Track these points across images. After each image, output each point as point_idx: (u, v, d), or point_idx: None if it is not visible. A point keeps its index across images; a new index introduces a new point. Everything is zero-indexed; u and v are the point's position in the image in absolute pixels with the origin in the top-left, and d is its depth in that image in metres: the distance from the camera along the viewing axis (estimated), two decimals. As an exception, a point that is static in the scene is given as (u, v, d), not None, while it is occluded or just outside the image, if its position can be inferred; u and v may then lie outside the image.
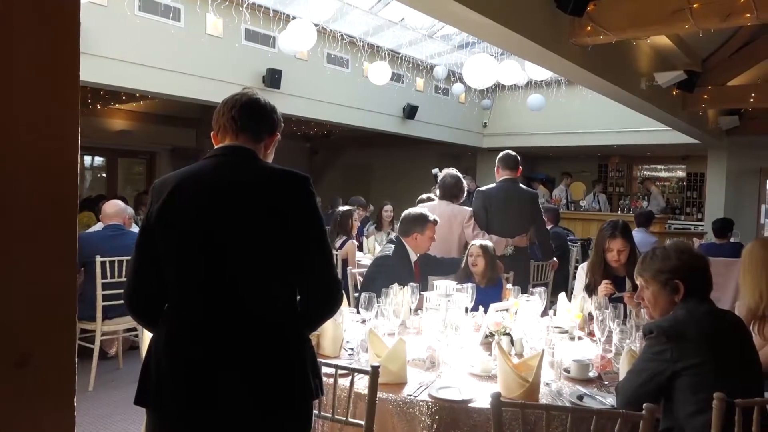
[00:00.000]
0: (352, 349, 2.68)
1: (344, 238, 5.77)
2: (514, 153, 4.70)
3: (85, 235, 4.66)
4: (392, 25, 7.96)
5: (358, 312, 3.01)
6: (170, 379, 1.50)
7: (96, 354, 4.32)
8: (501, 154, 4.71)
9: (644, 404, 1.54)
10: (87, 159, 12.12)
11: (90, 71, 5.95)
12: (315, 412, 1.99)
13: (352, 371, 1.92)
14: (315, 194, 1.63)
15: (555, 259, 5.30)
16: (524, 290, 4.28)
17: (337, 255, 5.46)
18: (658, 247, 2.20)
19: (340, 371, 1.92)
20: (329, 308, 1.64)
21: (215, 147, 1.70)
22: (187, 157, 12.37)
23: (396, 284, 3.32)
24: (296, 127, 11.12)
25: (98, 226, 5.12)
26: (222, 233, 1.53)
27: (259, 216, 1.55)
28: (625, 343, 2.56)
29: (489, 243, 3.79)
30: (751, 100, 7.00)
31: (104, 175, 12.26)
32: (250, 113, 1.69)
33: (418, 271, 3.86)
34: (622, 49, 5.48)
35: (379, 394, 2.12)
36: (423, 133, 10.32)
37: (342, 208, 6.26)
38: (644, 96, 6.24)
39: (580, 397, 2.13)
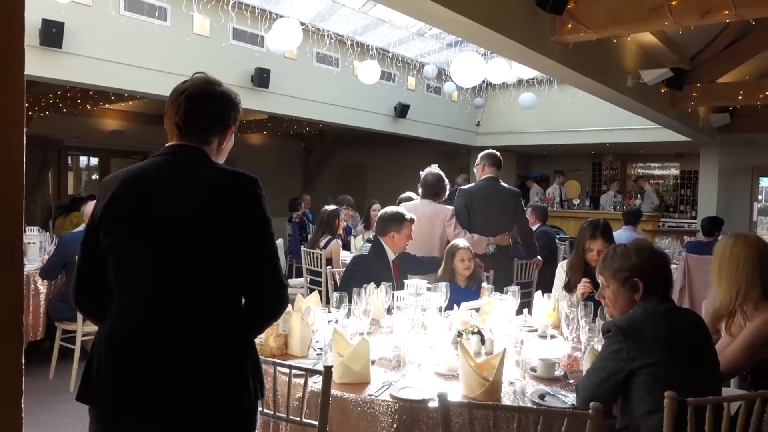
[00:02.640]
0: (321, 348, 2.67)
1: (329, 237, 5.77)
2: (498, 152, 4.69)
3: (66, 236, 4.68)
4: (382, 24, 7.94)
5: (329, 311, 3.00)
6: (108, 375, 1.50)
7: (77, 355, 4.31)
8: (486, 152, 4.70)
9: (591, 403, 1.53)
10: (83, 159, 12.13)
11: (74, 71, 5.95)
12: (270, 412, 1.99)
13: (306, 372, 1.91)
14: (264, 196, 1.61)
15: (539, 257, 5.29)
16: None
17: (320, 254, 5.45)
18: (619, 245, 2.18)
19: (294, 371, 1.91)
20: (272, 312, 1.62)
21: (165, 145, 1.68)
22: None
23: (372, 283, 3.32)
24: (289, 126, 11.10)
25: (83, 227, 5.13)
26: (165, 233, 1.52)
27: (205, 216, 1.53)
28: (592, 342, 2.55)
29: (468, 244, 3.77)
30: (740, 97, 6.99)
31: (97, 176, 12.25)
32: (192, 120, 1.63)
33: (396, 270, 3.86)
34: (606, 46, 5.47)
35: (341, 394, 2.12)
36: (415, 132, 10.30)
37: (329, 208, 6.26)
38: (631, 94, 6.22)
39: (542, 396, 2.12)
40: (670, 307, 2.00)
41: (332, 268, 4.37)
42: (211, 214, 1.53)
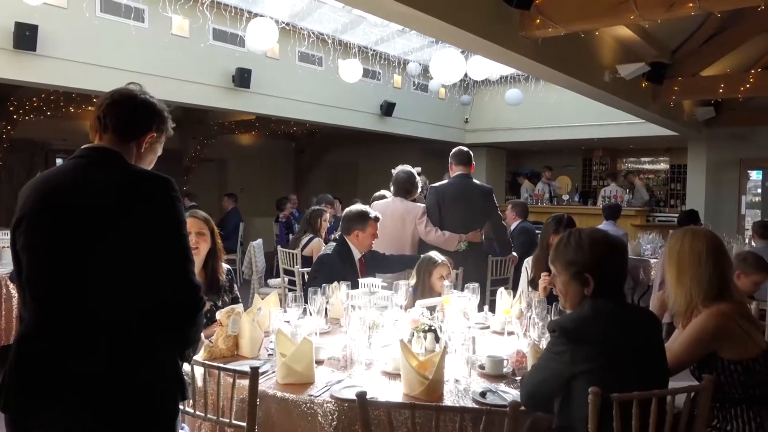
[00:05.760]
0: (272, 349, 2.66)
1: (310, 236, 5.76)
2: (466, 149, 4.68)
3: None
4: (363, 22, 7.90)
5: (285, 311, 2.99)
6: (18, 380, 1.50)
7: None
8: (454, 149, 4.69)
9: (509, 401, 1.52)
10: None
11: (50, 74, 5.95)
12: (201, 413, 1.98)
13: (234, 373, 1.89)
14: (177, 198, 1.59)
15: (515, 254, 5.27)
16: (481, 287, 4.22)
17: (296, 254, 5.44)
18: (573, 234, 2.06)
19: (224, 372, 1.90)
20: (185, 313, 1.58)
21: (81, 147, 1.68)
22: (169, 158, 12.37)
23: (335, 283, 3.31)
24: (277, 127, 11.08)
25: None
26: (74, 235, 1.51)
27: (115, 217, 1.51)
28: (543, 338, 2.54)
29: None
30: (720, 90, 6.96)
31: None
32: (116, 113, 1.65)
33: (363, 269, 3.84)
34: (581, 41, 5.44)
35: (281, 395, 2.11)
36: (402, 130, 10.26)
37: (314, 207, 6.27)
38: (610, 89, 6.19)
39: (483, 394, 2.10)
40: (618, 307, 1.95)
41: (299, 267, 4.35)
42: (121, 215, 1.51)
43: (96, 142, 1.67)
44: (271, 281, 6.24)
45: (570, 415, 1.84)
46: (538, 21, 4.35)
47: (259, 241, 6.18)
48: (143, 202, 1.54)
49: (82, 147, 1.66)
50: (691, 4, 3.73)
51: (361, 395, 1.60)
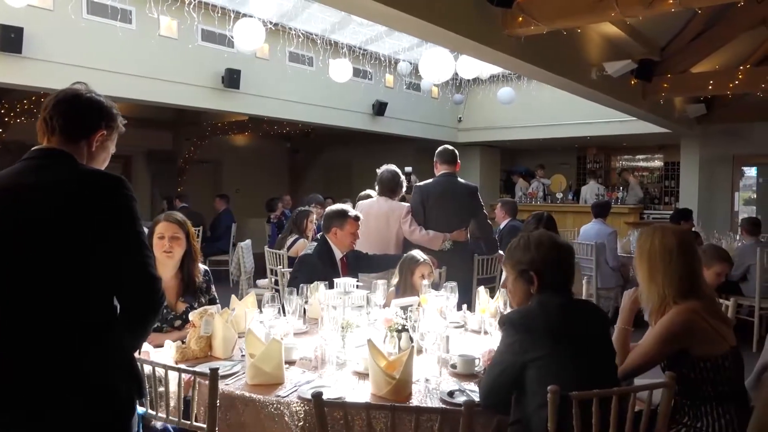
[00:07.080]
0: (246, 349, 2.65)
1: (296, 236, 5.76)
2: (451, 147, 4.66)
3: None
4: (355, 22, 7.88)
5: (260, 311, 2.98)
6: None
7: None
8: (439, 148, 4.68)
9: (463, 400, 1.51)
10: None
11: (37, 76, 5.94)
12: (162, 415, 1.98)
13: (194, 374, 1.89)
14: (130, 196, 1.58)
15: (501, 252, 5.25)
16: (467, 286, 4.21)
17: (282, 254, 5.43)
18: (523, 236, 2.14)
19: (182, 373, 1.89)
20: (145, 306, 1.58)
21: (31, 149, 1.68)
22: (164, 160, 12.37)
23: (316, 282, 3.30)
24: (269, 127, 11.07)
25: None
26: (17, 242, 1.50)
27: (65, 218, 1.51)
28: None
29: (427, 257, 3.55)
30: (710, 87, 6.95)
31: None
32: (62, 113, 1.64)
33: (345, 269, 3.82)
34: (567, 39, 5.43)
35: (248, 395, 2.11)
36: (395, 129, 10.26)
37: (300, 208, 6.27)
38: (599, 87, 6.19)
39: (451, 393, 2.09)
40: (564, 301, 1.99)
41: (281, 268, 4.35)
42: (71, 216, 1.51)
43: (45, 144, 1.66)
44: (260, 281, 6.24)
45: (525, 407, 1.87)
46: (520, 19, 4.35)
47: (248, 242, 6.18)
48: (94, 201, 1.54)
49: (32, 149, 1.66)
50: (671, 1, 3.73)
51: (317, 395, 1.60)
